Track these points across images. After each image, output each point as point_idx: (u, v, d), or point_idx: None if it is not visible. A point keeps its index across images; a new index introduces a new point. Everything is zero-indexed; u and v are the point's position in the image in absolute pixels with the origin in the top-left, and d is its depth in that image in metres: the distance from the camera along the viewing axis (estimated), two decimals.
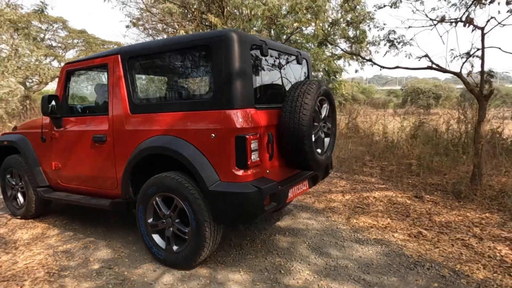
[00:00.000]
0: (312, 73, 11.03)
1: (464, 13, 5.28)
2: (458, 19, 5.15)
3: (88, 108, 3.74)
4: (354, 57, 13.34)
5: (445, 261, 2.96)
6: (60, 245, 3.38)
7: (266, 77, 2.98)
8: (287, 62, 3.32)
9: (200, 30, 12.56)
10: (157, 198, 2.86)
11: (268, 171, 2.75)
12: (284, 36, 12.05)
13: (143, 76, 3.05)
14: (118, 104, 3.07)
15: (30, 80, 25.48)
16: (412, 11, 6.08)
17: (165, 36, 15.47)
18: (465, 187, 4.87)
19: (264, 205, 2.50)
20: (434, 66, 5.52)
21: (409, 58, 6.97)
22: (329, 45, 13.79)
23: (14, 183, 4.15)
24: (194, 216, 2.65)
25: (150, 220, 2.94)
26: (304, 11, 12.24)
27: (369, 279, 2.69)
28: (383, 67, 6.26)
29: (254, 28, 12.82)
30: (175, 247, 2.85)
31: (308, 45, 13.35)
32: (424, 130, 8.18)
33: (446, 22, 5.42)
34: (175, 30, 13.17)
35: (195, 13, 12.68)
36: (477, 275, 2.73)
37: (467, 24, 5.02)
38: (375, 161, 7.28)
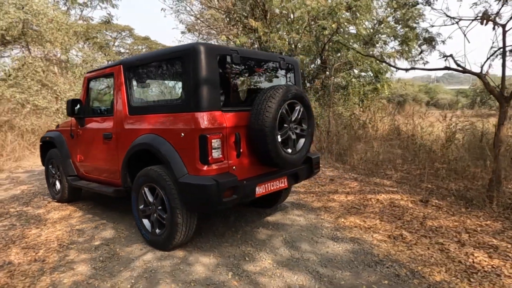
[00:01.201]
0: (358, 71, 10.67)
1: (499, 9, 5.00)
2: (476, 17, 4.91)
3: (102, 109, 4.38)
4: (404, 55, 12.89)
5: (409, 262, 3.00)
6: (78, 225, 4.04)
7: (238, 82, 3.29)
8: (267, 68, 3.59)
9: (242, 35, 13.11)
10: (145, 188, 3.34)
11: (234, 167, 3.06)
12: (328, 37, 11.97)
13: (138, 83, 3.56)
14: (120, 107, 3.62)
15: None
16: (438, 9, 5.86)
17: (216, 41, 16.31)
18: (479, 194, 4.65)
19: (222, 197, 2.82)
20: (453, 66, 5.30)
21: (442, 57, 6.71)
22: (377, 45, 13.47)
23: (54, 172, 4.97)
24: (169, 204, 3.07)
25: (141, 207, 3.43)
26: (344, 12, 12.12)
27: (323, 271, 2.86)
28: (399, 69, 6.13)
29: (297, 29, 13.03)
30: (157, 231, 3.29)
31: (354, 45, 13.17)
32: (468, 133, 7.72)
33: (466, 19, 5.17)
34: (217, 36, 13.89)
35: (237, 18, 13.25)
36: (434, 277, 2.75)
37: (485, 22, 4.77)
38: (406, 165, 7.10)
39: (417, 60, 12.29)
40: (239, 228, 3.83)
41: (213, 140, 2.84)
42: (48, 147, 5.06)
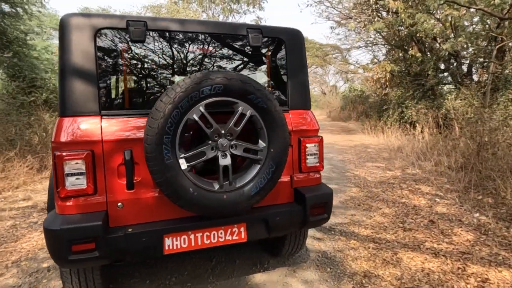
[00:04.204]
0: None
1: None
2: None
3: None
4: None
5: None
6: None
7: (147, 71, 2.10)
8: (218, 48, 2.22)
9: (375, 20, 10.87)
10: None
11: (120, 204, 1.95)
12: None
13: None
14: None
15: None
16: None
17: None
18: None
19: (69, 252, 1.78)
20: None
21: None
22: None
23: None
24: None
25: None
26: None
27: None
28: None
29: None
30: None
31: None
32: None
33: None
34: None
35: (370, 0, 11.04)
36: None
37: None
38: None
39: None
40: (197, 285, 2.64)
41: (66, 162, 1.83)
42: None
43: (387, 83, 11.83)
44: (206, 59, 2.27)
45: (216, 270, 2.83)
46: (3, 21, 6.23)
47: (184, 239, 2.04)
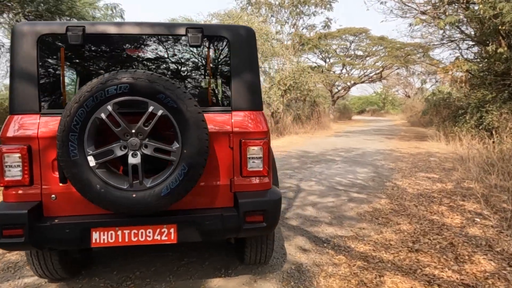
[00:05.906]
0: None
1: None
2: None
3: None
4: None
5: None
6: None
7: (88, 72, 2.19)
8: (156, 48, 2.21)
9: (448, 13, 9.63)
10: None
11: (53, 196, 2.09)
12: None
13: None
14: None
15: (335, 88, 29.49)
16: None
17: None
18: None
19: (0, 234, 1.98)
20: None
21: None
22: None
23: None
24: None
25: None
26: None
27: None
28: None
29: None
30: None
31: None
32: None
33: None
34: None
35: None
36: None
37: None
38: None
39: None
40: (155, 282, 2.68)
41: (5, 155, 2.05)
42: None
43: (464, 84, 10.40)
44: (144, 61, 2.31)
45: (181, 269, 2.84)
46: None
47: (111, 234, 2.09)
